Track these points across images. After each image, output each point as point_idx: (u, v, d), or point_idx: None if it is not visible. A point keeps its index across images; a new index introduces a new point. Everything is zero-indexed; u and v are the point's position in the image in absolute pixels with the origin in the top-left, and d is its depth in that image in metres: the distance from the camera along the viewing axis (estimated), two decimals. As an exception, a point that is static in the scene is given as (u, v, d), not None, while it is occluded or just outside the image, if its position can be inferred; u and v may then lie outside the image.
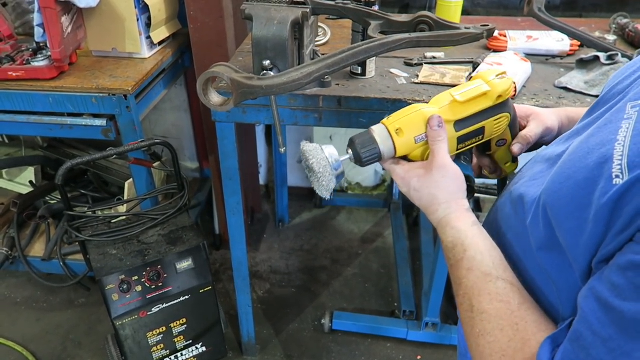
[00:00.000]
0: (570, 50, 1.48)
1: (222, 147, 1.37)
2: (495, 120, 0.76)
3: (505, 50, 1.49)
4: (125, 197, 1.92)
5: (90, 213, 1.54)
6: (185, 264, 1.49)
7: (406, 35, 0.86)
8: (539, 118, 0.82)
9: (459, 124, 0.74)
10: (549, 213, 0.57)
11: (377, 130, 0.73)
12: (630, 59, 1.28)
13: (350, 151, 0.74)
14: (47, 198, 2.05)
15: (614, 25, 1.63)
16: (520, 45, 1.49)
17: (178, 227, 1.56)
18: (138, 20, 1.61)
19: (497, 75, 0.74)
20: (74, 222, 1.48)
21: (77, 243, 1.57)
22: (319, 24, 1.55)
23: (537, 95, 1.25)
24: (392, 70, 1.38)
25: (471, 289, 0.62)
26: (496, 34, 1.52)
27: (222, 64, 0.70)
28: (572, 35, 1.40)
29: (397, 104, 1.24)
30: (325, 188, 0.72)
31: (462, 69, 1.38)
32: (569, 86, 1.28)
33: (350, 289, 2.16)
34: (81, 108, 1.52)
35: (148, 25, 1.66)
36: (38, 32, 1.48)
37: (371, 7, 1.21)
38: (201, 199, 2.38)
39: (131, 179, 1.88)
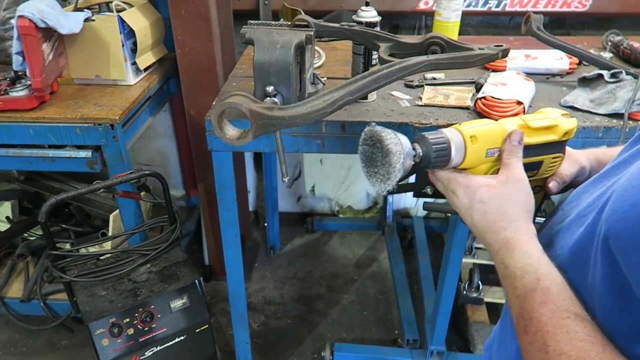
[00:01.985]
0: (570, 69, 1.46)
1: (219, 178, 1.29)
2: (553, 157, 0.73)
3: (505, 70, 1.46)
4: (111, 231, 1.82)
5: (75, 251, 1.44)
6: (179, 302, 1.39)
7: (424, 58, 0.82)
8: (572, 157, 0.78)
9: (524, 150, 0.70)
10: (611, 245, 0.52)
11: (450, 134, 0.67)
12: (635, 77, 1.26)
13: (418, 148, 0.67)
14: (26, 234, 1.92)
15: (608, 43, 1.63)
16: (520, 64, 1.47)
17: (171, 263, 1.46)
18: (123, 45, 1.53)
19: (562, 115, 0.73)
20: (58, 262, 1.37)
21: (62, 283, 1.45)
22: (316, 48, 1.50)
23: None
24: (394, 93, 1.33)
25: (545, 325, 0.54)
26: (494, 53, 1.50)
27: (238, 93, 0.64)
28: (573, 53, 1.39)
29: (403, 128, 1.19)
30: (389, 178, 0.64)
31: (465, 90, 1.34)
32: (575, 105, 1.26)
33: (348, 318, 2.08)
34: (64, 139, 1.43)
35: (133, 50, 1.59)
36: (17, 60, 1.39)
37: (372, 29, 1.17)
38: (189, 228, 2.29)
39: (116, 211, 1.78)
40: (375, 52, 1.13)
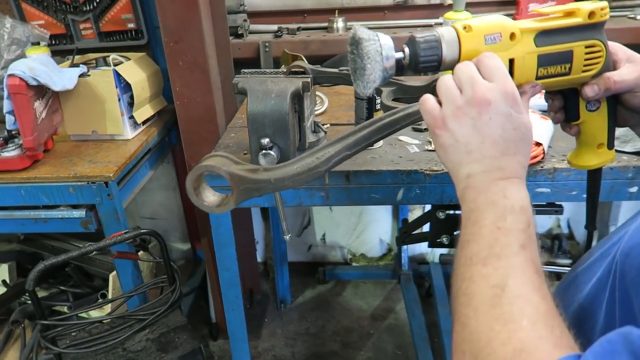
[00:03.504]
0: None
1: (217, 236, 1.21)
2: (586, 47, 0.62)
3: (519, 108, 1.38)
4: (110, 292, 1.72)
5: (73, 317, 1.34)
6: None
7: (431, 103, 0.73)
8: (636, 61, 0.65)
9: (542, 37, 0.61)
10: (627, 280, 0.48)
11: (443, 31, 0.61)
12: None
13: (407, 50, 0.61)
14: (23, 298, 1.84)
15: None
16: (535, 102, 1.38)
17: (169, 329, 1.35)
18: (119, 100, 1.49)
19: None
20: (48, 332, 1.27)
21: (54, 355, 1.35)
22: (317, 93, 1.44)
23: (566, 156, 1.12)
24: (401, 138, 1.25)
25: (514, 268, 0.50)
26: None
27: (218, 154, 0.56)
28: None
29: (412, 176, 1.10)
30: (367, 81, 0.60)
31: (478, 132, 1.25)
32: (599, 143, 1.16)
33: (365, 377, 1.93)
34: (57, 199, 1.37)
35: (130, 104, 1.54)
36: (9, 119, 1.34)
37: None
38: (194, 284, 2.18)
39: (115, 271, 1.69)
40: (379, 97, 1.06)
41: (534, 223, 0.54)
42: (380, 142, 1.22)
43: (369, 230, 2.38)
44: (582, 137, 0.72)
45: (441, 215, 1.30)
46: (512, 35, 0.60)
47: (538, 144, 1.09)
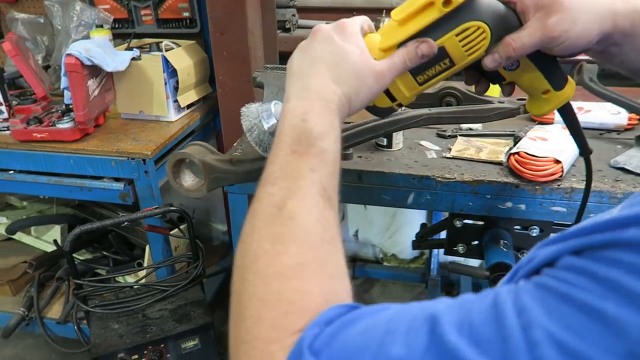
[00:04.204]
0: (629, 125, 1.31)
1: (234, 220, 1.27)
2: (458, 35, 0.58)
3: (552, 123, 1.33)
4: (145, 262, 1.85)
5: (98, 282, 1.46)
6: (191, 344, 1.37)
7: (424, 111, 0.75)
8: (549, 18, 0.57)
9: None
10: None
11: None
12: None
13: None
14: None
15: (680, 97, 1.45)
16: (570, 117, 1.33)
17: (187, 302, 1.45)
18: (166, 84, 1.59)
19: None
20: (80, 291, 1.40)
21: (83, 312, 1.49)
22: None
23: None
24: (422, 142, 1.25)
25: (298, 189, 0.49)
26: (542, 104, 1.38)
27: (197, 143, 0.61)
28: (630, 108, 1.24)
29: (424, 181, 1.11)
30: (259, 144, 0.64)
31: (502, 143, 1.24)
32: (627, 167, 1.11)
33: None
34: (100, 171, 1.49)
35: (176, 89, 1.64)
36: (66, 95, 1.48)
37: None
38: (227, 264, 2.28)
39: (152, 243, 1.81)
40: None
41: (333, 150, 0.53)
42: (400, 144, 1.23)
43: (402, 231, 2.38)
44: (524, 89, 0.68)
45: (458, 223, 1.30)
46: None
47: (557, 162, 1.06)
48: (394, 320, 0.38)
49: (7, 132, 1.54)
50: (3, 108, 1.54)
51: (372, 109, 0.64)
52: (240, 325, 0.43)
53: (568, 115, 0.73)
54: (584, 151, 0.76)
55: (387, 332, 0.37)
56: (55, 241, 1.98)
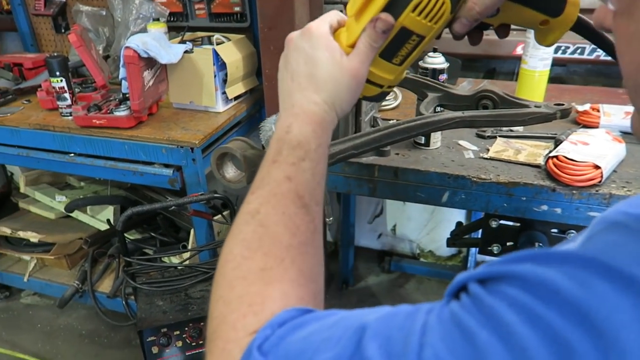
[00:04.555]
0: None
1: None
2: (414, 11, 0.56)
3: (597, 127, 1.31)
4: (190, 245, 1.95)
5: (146, 261, 1.56)
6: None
7: (458, 114, 0.77)
8: None
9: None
10: None
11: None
12: None
13: None
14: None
15: None
16: (616, 122, 1.31)
17: (227, 284, 1.52)
18: (215, 76, 1.66)
19: None
20: (130, 268, 1.50)
21: (131, 288, 1.59)
22: (389, 88, 1.49)
23: (629, 183, 1.07)
24: (461, 142, 1.27)
25: (272, 197, 0.51)
26: (588, 107, 1.36)
27: (239, 138, 0.66)
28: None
29: (459, 181, 1.12)
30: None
31: (542, 145, 1.23)
32: (672, 174, 1.09)
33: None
34: (152, 157, 1.58)
35: (225, 81, 1.71)
36: (124, 84, 1.57)
37: (437, 76, 1.13)
38: (266, 251, 2.36)
39: (197, 227, 1.91)
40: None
41: (313, 157, 0.55)
42: (438, 143, 1.25)
43: (440, 228, 2.38)
44: (521, 26, 0.66)
45: (494, 224, 1.31)
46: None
47: (597, 167, 1.05)
48: (334, 327, 0.40)
49: (70, 117, 1.66)
50: (67, 95, 1.66)
51: (364, 98, 0.65)
52: (209, 323, 0.48)
53: (584, 32, 0.66)
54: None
55: (324, 339, 0.39)
56: (108, 220, 2.12)
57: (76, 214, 2.19)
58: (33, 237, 2.02)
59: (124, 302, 1.97)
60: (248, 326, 0.44)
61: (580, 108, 1.35)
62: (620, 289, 0.28)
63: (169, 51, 1.59)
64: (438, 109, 0.94)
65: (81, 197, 2.19)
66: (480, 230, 1.38)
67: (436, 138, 1.23)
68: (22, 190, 2.30)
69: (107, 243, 2.14)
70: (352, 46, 0.58)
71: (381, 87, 0.63)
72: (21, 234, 2.04)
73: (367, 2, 0.56)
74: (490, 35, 0.69)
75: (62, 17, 2.18)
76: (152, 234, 2.10)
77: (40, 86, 1.79)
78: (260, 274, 0.47)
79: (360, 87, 0.60)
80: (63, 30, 2.22)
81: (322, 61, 0.57)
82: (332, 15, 0.61)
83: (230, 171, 0.68)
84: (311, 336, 0.40)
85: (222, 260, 0.50)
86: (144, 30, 1.86)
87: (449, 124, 0.74)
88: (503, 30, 0.66)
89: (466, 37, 0.64)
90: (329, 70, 0.57)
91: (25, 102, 1.85)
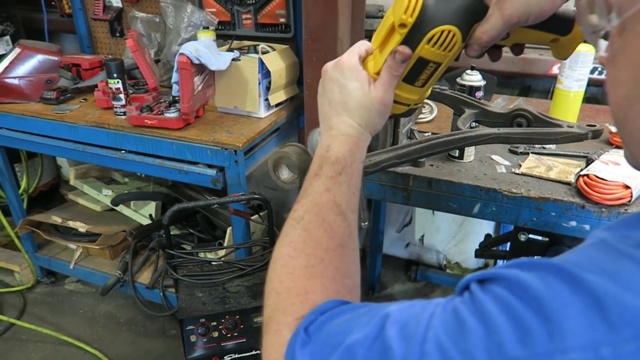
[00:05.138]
0: None
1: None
2: (429, 43, 0.62)
3: (630, 148, 1.34)
4: (226, 242, 2.04)
5: (187, 255, 1.66)
6: (261, 319, 1.51)
7: (493, 131, 0.83)
8: (504, 5, 0.61)
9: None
10: None
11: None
12: None
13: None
14: (162, 231, 2.25)
15: None
16: (649, 144, 1.33)
17: (262, 281, 1.59)
18: (260, 83, 1.76)
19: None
20: (172, 260, 1.60)
21: (172, 279, 1.69)
22: (425, 100, 1.55)
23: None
24: (493, 157, 1.32)
25: (314, 205, 0.61)
26: (621, 128, 1.39)
27: (293, 144, 0.74)
28: None
29: (491, 193, 1.18)
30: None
31: (573, 164, 1.27)
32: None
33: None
34: (197, 157, 1.68)
35: (268, 88, 1.80)
36: (174, 88, 1.68)
37: (474, 93, 1.19)
38: (297, 253, 2.44)
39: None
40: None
41: (349, 172, 0.64)
42: (472, 157, 1.30)
43: (468, 240, 2.41)
44: (535, 43, 0.70)
45: (522, 237, 1.35)
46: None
47: (627, 187, 1.09)
48: (364, 315, 0.49)
49: (124, 116, 1.78)
50: (122, 96, 1.78)
51: (394, 116, 0.74)
52: (265, 311, 0.59)
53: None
54: None
55: (356, 324, 0.48)
56: (150, 215, 2.23)
57: (120, 208, 2.32)
58: (81, 227, 2.16)
59: (161, 294, 2.07)
60: (295, 312, 0.54)
61: (613, 129, 1.38)
62: (573, 290, 0.37)
63: (218, 58, 1.70)
64: (474, 124, 1.00)
65: (126, 192, 2.32)
66: (508, 243, 1.42)
67: (470, 152, 1.29)
68: (71, 182, 2.44)
69: (147, 237, 2.25)
70: (379, 73, 0.67)
71: (408, 105, 0.72)
72: (70, 224, 2.17)
73: (387, 37, 0.65)
74: (527, 54, 0.75)
75: (117, 22, 2.32)
76: (191, 231, 2.20)
77: (96, 86, 1.92)
78: (304, 270, 0.57)
79: (389, 109, 0.69)
80: (118, 34, 2.36)
81: (353, 91, 0.67)
82: (360, 46, 0.70)
83: (285, 173, 0.75)
84: (346, 322, 0.50)
85: (273, 258, 0.61)
86: (194, 37, 1.97)
87: (485, 139, 0.80)
88: (517, 49, 0.72)
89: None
90: (359, 99, 0.67)
91: (82, 100, 1.99)
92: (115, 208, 2.31)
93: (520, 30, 0.65)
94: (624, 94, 0.42)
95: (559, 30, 0.67)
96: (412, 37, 0.62)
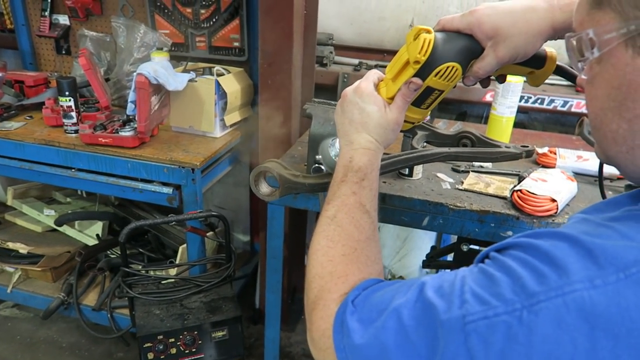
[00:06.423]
0: (621, 174, 1.49)
1: (271, 228, 1.46)
2: (436, 76, 0.78)
3: (554, 167, 1.52)
4: (178, 260, 2.04)
5: (144, 272, 1.65)
6: (220, 334, 1.54)
7: (446, 150, 0.95)
8: (498, 48, 0.79)
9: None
10: None
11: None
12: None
13: None
14: (109, 252, 2.21)
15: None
16: (570, 163, 1.52)
17: (219, 297, 1.63)
18: (216, 104, 1.81)
19: (414, 38, 0.77)
20: (127, 279, 1.59)
21: (127, 298, 1.67)
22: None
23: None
24: (439, 174, 1.45)
25: (344, 206, 0.74)
26: (546, 150, 1.57)
27: (273, 160, 0.81)
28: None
29: (438, 207, 1.30)
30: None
31: (508, 181, 1.43)
32: (614, 210, 1.29)
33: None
34: (153, 176, 1.69)
35: (223, 109, 1.86)
36: (130, 106, 1.70)
37: (422, 117, 1.31)
38: (247, 271, 2.46)
39: (185, 244, 2.01)
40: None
41: (370, 178, 0.78)
42: (420, 175, 1.42)
43: (411, 255, 2.55)
44: (514, 75, 0.91)
45: (464, 247, 1.48)
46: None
47: (553, 200, 1.25)
48: (403, 286, 0.62)
49: (74, 135, 1.76)
50: (74, 114, 1.76)
51: (401, 131, 0.89)
52: (310, 291, 0.72)
53: (563, 74, 0.92)
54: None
55: (396, 292, 0.61)
56: (97, 235, 2.19)
57: (64, 229, 2.25)
58: (22, 248, 2.07)
59: (109, 315, 2.02)
60: (339, 290, 0.67)
61: (540, 150, 1.56)
62: (571, 246, 0.52)
63: (175, 79, 1.73)
64: (424, 144, 1.11)
65: (70, 211, 2.26)
66: (452, 254, 1.55)
67: (418, 170, 1.41)
68: (9, 202, 2.34)
69: (93, 257, 2.20)
70: (391, 98, 0.81)
71: (413, 123, 0.89)
72: (10, 245, 2.08)
73: (401, 70, 0.79)
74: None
75: (64, 39, 2.29)
76: (140, 250, 2.18)
77: (43, 104, 1.89)
78: (341, 258, 0.71)
79: (399, 127, 0.84)
80: (64, 52, 2.32)
81: (372, 113, 0.81)
82: (374, 75, 0.84)
83: (264, 187, 0.82)
84: (387, 293, 0.62)
85: (313, 249, 0.74)
86: (147, 57, 1.99)
87: (439, 157, 0.91)
88: (501, 78, 0.93)
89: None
90: (377, 120, 0.81)
91: (27, 117, 1.94)
92: (59, 228, 2.24)
93: (507, 65, 0.83)
94: (600, 106, 0.57)
95: (535, 65, 0.86)
96: (423, 71, 0.78)
